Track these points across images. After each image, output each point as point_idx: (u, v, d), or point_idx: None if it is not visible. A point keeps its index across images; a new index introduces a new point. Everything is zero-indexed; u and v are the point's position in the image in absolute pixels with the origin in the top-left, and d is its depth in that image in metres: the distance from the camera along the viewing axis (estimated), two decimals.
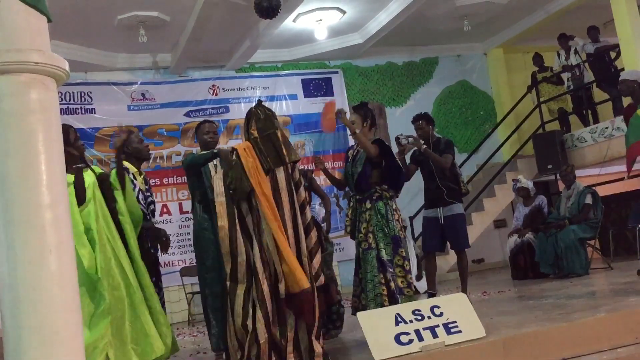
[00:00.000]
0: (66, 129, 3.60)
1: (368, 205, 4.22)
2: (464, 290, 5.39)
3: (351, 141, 9.58)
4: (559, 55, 9.46)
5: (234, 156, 3.61)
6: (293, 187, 3.63)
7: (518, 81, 10.52)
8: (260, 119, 3.71)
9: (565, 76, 9.35)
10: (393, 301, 4.00)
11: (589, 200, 7.02)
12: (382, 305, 3.97)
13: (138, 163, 4.27)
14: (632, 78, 5.61)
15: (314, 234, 3.60)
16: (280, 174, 3.61)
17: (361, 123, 4.40)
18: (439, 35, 9.86)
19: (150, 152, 4.38)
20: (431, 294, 5.42)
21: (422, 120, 5.68)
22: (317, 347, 3.44)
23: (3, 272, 2.39)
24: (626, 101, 6.36)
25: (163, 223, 8.00)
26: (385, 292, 4.03)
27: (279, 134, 3.69)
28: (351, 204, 4.38)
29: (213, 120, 5.09)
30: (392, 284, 4.04)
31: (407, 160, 5.48)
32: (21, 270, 2.35)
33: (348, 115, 4.67)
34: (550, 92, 9.68)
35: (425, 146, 5.37)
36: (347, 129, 4.39)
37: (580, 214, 6.98)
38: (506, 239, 8.02)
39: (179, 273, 7.87)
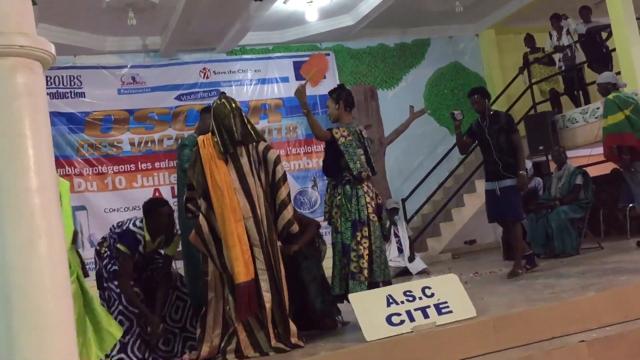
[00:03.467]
0: None
1: (339, 190, 4.22)
2: (515, 264, 5.50)
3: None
4: (550, 36, 9.44)
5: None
6: (261, 169, 3.68)
7: (510, 62, 10.51)
8: (219, 105, 3.76)
9: (557, 57, 9.34)
10: (346, 284, 4.03)
11: (579, 180, 7.05)
12: (344, 290, 4.02)
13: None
14: (605, 81, 6.23)
15: (287, 212, 3.66)
16: (244, 159, 3.66)
17: (334, 105, 4.37)
18: (431, 17, 9.81)
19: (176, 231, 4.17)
20: (528, 255, 5.62)
21: (477, 94, 5.80)
22: (293, 327, 3.60)
23: None
24: None
25: None
26: (344, 276, 4.07)
27: (235, 116, 3.71)
28: (328, 189, 4.36)
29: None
30: (347, 268, 4.05)
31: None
32: (11, 254, 2.35)
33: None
34: (542, 73, 9.67)
35: (524, 174, 5.57)
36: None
37: (571, 195, 7.01)
38: None
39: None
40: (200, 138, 3.71)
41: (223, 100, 3.77)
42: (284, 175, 3.72)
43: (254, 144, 3.71)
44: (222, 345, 3.58)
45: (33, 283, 2.35)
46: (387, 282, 4.17)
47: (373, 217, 4.18)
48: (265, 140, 3.83)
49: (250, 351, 3.53)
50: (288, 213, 3.66)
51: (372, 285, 4.05)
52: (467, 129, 5.95)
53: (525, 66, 9.72)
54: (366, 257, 4.06)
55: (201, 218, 3.59)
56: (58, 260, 2.42)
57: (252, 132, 3.73)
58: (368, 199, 4.19)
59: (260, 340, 3.54)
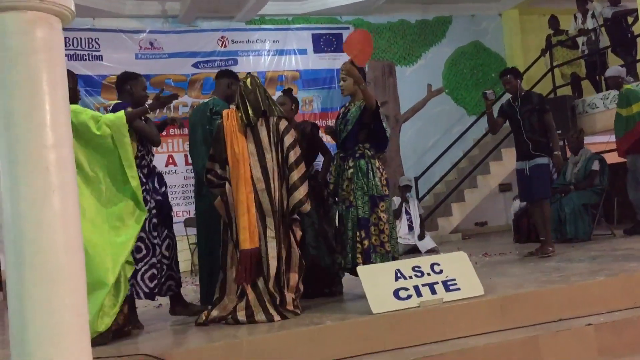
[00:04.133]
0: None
1: (351, 163, 4.18)
2: (544, 241, 5.56)
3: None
4: (575, 18, 9.26)
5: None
6: (279, 146, 3.82)
7: (532, 44, 10.36)
8: (246, 81, 3.92)
9: (580, 40, 9.18)
10: (366, 259, 4.01)
11: (595, 166, 6.98)
12: (357, 263, 4.00)
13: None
14: (615, 74, 6.46)
15: (297, 194, 3.75)
16: (263, 132, 3.82)
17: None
18: None
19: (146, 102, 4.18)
20: (544, 241, 5.63)
21: (510, 74, 5.79)
22: (288, 297, 3.69)
23: (7, 211, 2.40)
24: None
25: (168, 174, 8.02)
26: (359, 250, 4.04)
27: (260, 93, 3.90)
28: (335, 160, 4.33)
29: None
30: (366, 242, 4.04)
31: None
32: (24, 209, 2.37)
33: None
34: (564, 56, 9.52)
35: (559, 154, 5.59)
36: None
37: (586, 180, 6.95)
38: (510, 202, 8.02)
39: (182, 224, 7.93)
40: (225, 111, 3.93)
41: (250, 78, 3.93)
42: (298, 157, 3.83)
43: (275, 120, 3.85)
44: (234, 305, 3.71)
45: (45, 237, 2.38)
46: (394, 259, 4.17)
47: (385, 190, 4.18)
48: (288, 120, 3.98)
49: (261, 316, 3.62)
50: (299, 194, 3.76)
51: (394, 259, 4.07)
52: (499, 109, 5.98)
53: (548, 48, 9.57)
54: (387, 232, 4.09)
55: (227, 185, 3.78)
56: (71, 215, 2.44)
57: (275, 107, 3.94)
58: (383, 173, 4.21)
59: (267, 305, 3.65)
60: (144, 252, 3.86)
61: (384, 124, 4.22)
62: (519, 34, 10.58)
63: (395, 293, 3.52)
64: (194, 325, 3.76)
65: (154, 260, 3.89)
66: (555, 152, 5.56)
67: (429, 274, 3.66)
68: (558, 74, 9.55)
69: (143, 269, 3.85)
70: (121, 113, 3.57)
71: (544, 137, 5.59)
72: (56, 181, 2.41)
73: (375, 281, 3.57)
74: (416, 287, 3.57)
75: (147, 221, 3.85)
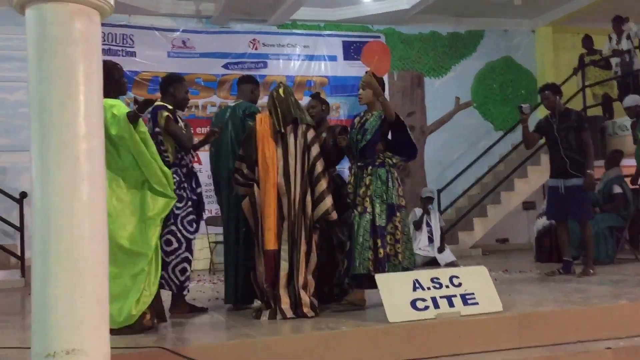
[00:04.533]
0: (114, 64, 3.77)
1: (370, 170, 4.15)
2: (586, 263, 5.52)
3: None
4: (610, 38, 9.14)
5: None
6: (306, 154, 3.99)
7: (564, 62, 10.24)
8: (279, 90, 4.12)
9: (614, 61, 9.05)
10: (379, 267, 3.96)
11: (617, 189, 6.88)
12: (368, 270, 3.96)
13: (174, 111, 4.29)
14: (634, 104, 6.57)
15: (323, 205, 3.94)
16: (291, 140, 3.99)
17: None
18: (487, 8, 9.62)
19: (186, 105, 4.49)
20: (567, 261, 5.60)
21: (548, 90, 5.77)
22: (305, 297, 3.82)
23: (36, 197, 2.45)
24: None
25: None
26: (371, 257, 3.98)
27: (294, 98, 4.14)
28: (353, 170, 4.29)
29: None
30: (382, 251, 3.99)
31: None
32: (54, 196, 2.42)
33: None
34: (596, 77, 9.40)
35: (592, 172, 5.51)
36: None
37: (612, 203, 6.85)
38: (533, 221, 7.93)
39: (204, 222, 7.95)
40: (258, 116, 4.16)
41: (282, 87, 4.14)
42: (324, 168, 4.02)
43: (304, 128, 4.02)
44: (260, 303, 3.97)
45: (72, 226, 2.42)
46: (406, 270, 4.08)
47: (401, 201, 4.15)
48: (315, 129, 4.12)
49: (277, 315, 3.79)
50: (325, 205, 3.94)
51: (405, 270, 4.02)
52: (536, 124, 5.95)
53: (580, 67, 9.46)
54: (402, 242, 4.06)
55: (256, 187, 3.97)
56: (98, 205, 2.49)
57: (305, 116, 4.11)
58: (399, 184, 4.18)
59: (282, 304, 3.81)
60: (176, 245, 3.96)
61: (412, 135, 4.22)
62: (551, 52, 10.48)
63: (413, 303, 3.51)
64: (208, 321, 3.81)
65: (186, 254, 4.00)
66: (588, 171, 5.47)
67: (447, 286, 3.64)
68: (589, 94, 9.43)
69: (174, 262, 3.96)
70: (124, 115, 3.55)
71: (581, 155, 5.53)
72: (86, 171, 2.45)
73: (393, 290, 3.56)
74: (434, 299, 3.55)
75: (182, 217, 3.98)
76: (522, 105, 5.65)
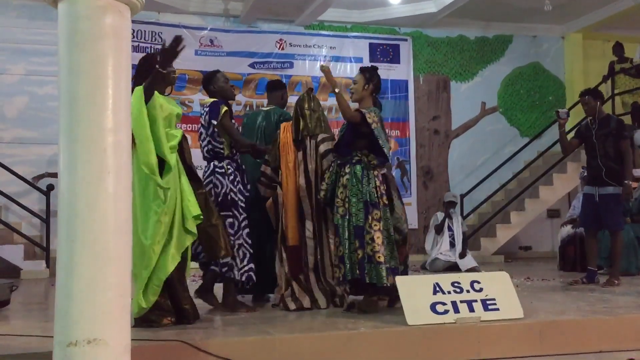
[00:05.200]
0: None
1: (347, 169, 4.09)
2: (611, 273, 5.46)
3: (411, 109, 9.47)
4: None
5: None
6: (318, 162, 4.34)
7: (594, 69, 10.09)
8: (301, 99, 4.49)
9: None
10: (360, 269, 3.91)
11: None
12: (355, 275, 3.93)
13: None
14: None
15: None
16: (311, 144, 4.38)
17: (363, 84, 4.21)
18: (517, 13, 9.52)
19: (234, 93, 4.53)
20: (591, 270, 5.54)
21: (588, 95, 5.70)
22: (333, 288, 4.25)
23: (63, 188, 2.49)
24: None
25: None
26: (355, 260, 3.95)
27: (311, 113, 4.45)
28: (332, 167, 4.23)
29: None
30: (360, 252, 3.92)
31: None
32: (80, 188, 2.45)
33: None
34: (626, 85, 9.26)
35: (630, 183, 5.39)
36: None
37: None
38: (558, 229, 7.83)
39: None
40: (283, 124, 4.53)
41: (305, 96, 4.47)
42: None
43: (317, 141, 4.37)
44: (281, 293, 4.24)
45: (97, 217, 2.45)
46: (394, 271, 3.94)
47: (385, 200, 4.04)
48: (332, 138, 4.44)
49: (307, 301, 4.14)
50: None
51: (391, 270, 3.91)
52: (576, 130, 5.89)
53: (610, 75, 9.32)
54: (378, 240, 3.92)
55: (279, 189, 4.33)
56: (123, 198, 2.52)
57: (321, 128, 4.42)
58: (378, 182, 4.05)
59: (316, 296, 4.21)
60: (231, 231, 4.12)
61: (380, 140, 4.03)
62: (580, 59, 10.33)
63: (433, 307, 3.49)
64: (229, 317, 3.85)
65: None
66: (626, 182, 5.35)
67: (468, 291, 3.62)
68: (619, 102, 9.29)
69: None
70: (141, 87, 3.63)
71: (618, 164, 5.43)
72: (112, 164, 2.48)
73: (413, 292, 3.55)
74: (454, 303, 3.53)
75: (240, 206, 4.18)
76: (559, 110, 5.59)
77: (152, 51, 8.50)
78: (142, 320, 3.53)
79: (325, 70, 4.14)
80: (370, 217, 3.96)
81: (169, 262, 3.53)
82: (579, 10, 9.54)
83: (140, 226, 3.51)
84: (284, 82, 8.78)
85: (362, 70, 4.30)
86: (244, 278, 4.09)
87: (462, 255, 7.32)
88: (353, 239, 3.97)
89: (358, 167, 4.06)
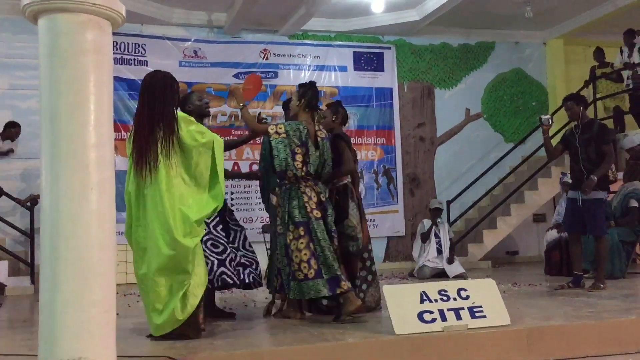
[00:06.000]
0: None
1: (278, 190, 4.32)
2: (596, 277, 5.50)
3: (396, 117, 9.51)
4: (621, 52, 9.10)
5: None
6: None
7: (575, 74, 10.21)
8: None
9: (625, 74, 9.01)
10: (287, 284, 4.11)
11: (633, 203, 6.82)
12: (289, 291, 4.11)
13: (200, 120, 4.29)
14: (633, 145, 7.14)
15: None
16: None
17: (296, 100, 4.39)
18: (498, 20, 9.62)
19: (208, 109, 4.46)
20: (577, 275, 5.57)
21: (570, 100, 5.76)
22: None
23: (45, 204, 2.48)
24: None
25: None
26: (287, 275, 4.14)
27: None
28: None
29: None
30: (287, 269, 4.08)
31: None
32: (63, 204, 2.44)
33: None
34: (608, 89, 9.37)
35: (595, 179, 5.39)
36: None
37: (627, 217, 6.79)
38: (544, 234, 7.88)
39: (261, 229, 7.67)
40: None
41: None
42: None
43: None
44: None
45: (80, 234, 2.44)
46: (334, 278, 3.96)
47: (317, 213, 4.06)
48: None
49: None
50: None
51: (331, 280, 3.94)
52: (562, 135, 5.95)
53: (592, 80, 9.42)
54: (303, 257, 3.97)
55: None
56: (106, 213, 2.51)
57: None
58: (306, 198, 4.08)
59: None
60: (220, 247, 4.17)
61: (274, 152, 4.15)
62: (562, 64, 10.44)
63: (420, 315, 3.49)
64: (219, 330, 3.81)
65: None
66: (592, 176, 5.38)
67: (455, 299, 3.62)
68: (600, 106, 9.39)
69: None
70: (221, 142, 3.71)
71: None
72: (95, 179, 2.48)
73: (400, 302, 3.54)
74: (441, 311, 3.54)
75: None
76: (542, 116, 5.63)
77: (136, 63, 8.48)
78: (178, 335, 3.48)
79: (232, 89, 4.55)
80: (292, 235, 4.04)
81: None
82: (559, 17, 9.66)
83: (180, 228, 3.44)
84: (269, 92, 8.86)
85: (299, 85, 4.52)
86: (219, 283, 4.07)
87: (450, 261, 7.34)
88: (282, 256, 4.15)
89: (284, 187, 4.19)
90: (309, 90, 4.35)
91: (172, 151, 3.45)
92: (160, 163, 3.41)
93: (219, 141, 3.64)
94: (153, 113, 3.51)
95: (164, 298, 3.42)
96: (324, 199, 4.17)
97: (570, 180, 7.18)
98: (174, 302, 3.40)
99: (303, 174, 4.12)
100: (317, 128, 4.28)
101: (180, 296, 3.41)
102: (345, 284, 3.95)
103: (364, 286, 4.54)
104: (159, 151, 3.43)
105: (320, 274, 3.95)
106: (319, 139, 4.24)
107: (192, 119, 3.74)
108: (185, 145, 3.52)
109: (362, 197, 9.06)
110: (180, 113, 3.69)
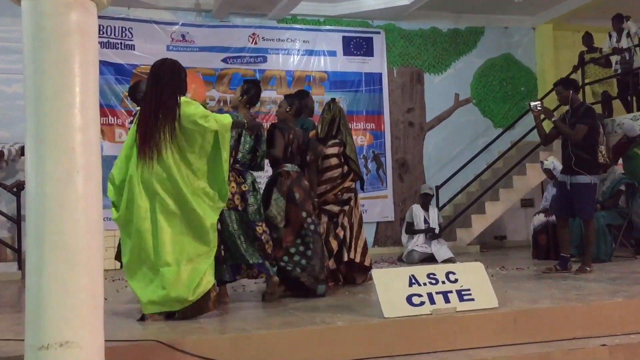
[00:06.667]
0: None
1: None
2: (583, 260, 5.55)
3: (385, 102, 9.49)
4: (610, 36, 9.14)
5: None
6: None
7: (564, 60, 10.23)
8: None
9: (614, 59, 9.05)
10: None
11: (622, 187, 6.88)
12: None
13: None
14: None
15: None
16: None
17: (238, 95, 4.58)
18: (488, 5, 9.60)
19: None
20: (564, 257, 5.61)
21: (560, 85, 5.76)
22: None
23: (31, 188, 2.44)
24: None
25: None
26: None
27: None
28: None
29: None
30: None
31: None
32: (49, 188, 2.41)
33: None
34: (596, 74, 9.40)
35: (555, 117, 5.64)
36: None
37: (611, 199, 6.85)
38: (531, 218, 7.92)
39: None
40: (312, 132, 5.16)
41: (325, 105, 5.28)
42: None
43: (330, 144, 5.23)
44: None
45: (67, 217, 2.41)
46: (235, 266, 4.24)
47: (231, 203, 4.20)
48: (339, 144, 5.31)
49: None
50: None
51: (233, 267, 4.22)
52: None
53: (580, 65, 9.45)
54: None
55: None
56: (93, 197, 2.47)
57: (331, 131, 5.29)
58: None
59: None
60: None
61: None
62: (551, 49, 10.46)
63: (409, 299, 3.51)
64: (209, 314, 3.81)
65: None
66: (554, 119, 5.58)
67: (443, 282, 3.64)
68: (589, 91, 9.43)
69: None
70: (228, 118, 3.75)
71: (588, 153, 5.50)
72: (81, 162, 2.44)
73: (389, 285, 3.56)
74: (430, 295, 3.55)
75: None
76: (531, 102, 5.63)
77: (123, 47, 8.38)
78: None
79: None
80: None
81: None
82: (548, 2, 9.65)
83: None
84: (257, 76, 8.81)
85: (244, 81, 4.78)
86: None
87: (437, 237, 7.41)
88: None
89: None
90: (252, 88, 4.55)
91: (174, 136, 3.60)
92: (167, 149, 3.58)
93: (224, 125, 3.67)
94: (159, 101, 3.64)
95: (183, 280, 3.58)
96: (245, 189, 4.30)
97: (549, 167, 7.21)
98: (196, 279, 3.59)
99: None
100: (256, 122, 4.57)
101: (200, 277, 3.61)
102: (246, 273, 4.24)
103: (303, 261, 4.50)
104: (163, 137, 3.59)
105: (225, 260, 4.17)
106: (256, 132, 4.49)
107: (195, 102, 3.82)
108: (185, 129, 3.64)
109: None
110: (183, 98, 3.76)
